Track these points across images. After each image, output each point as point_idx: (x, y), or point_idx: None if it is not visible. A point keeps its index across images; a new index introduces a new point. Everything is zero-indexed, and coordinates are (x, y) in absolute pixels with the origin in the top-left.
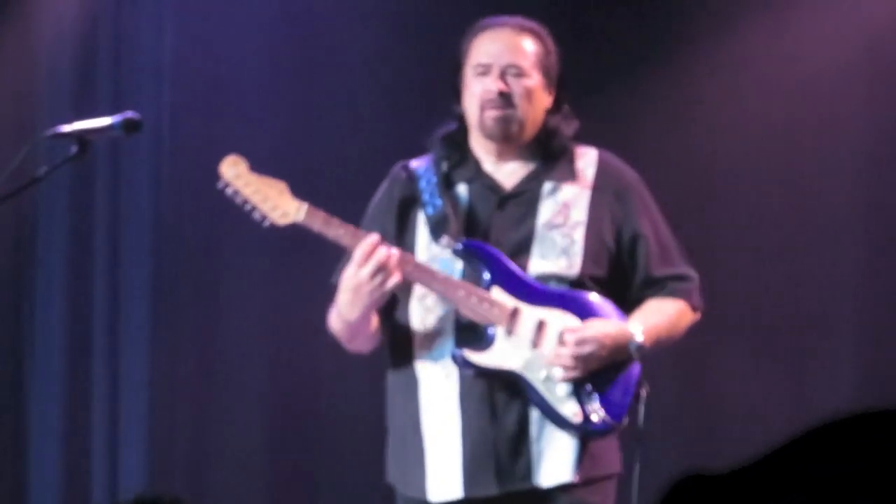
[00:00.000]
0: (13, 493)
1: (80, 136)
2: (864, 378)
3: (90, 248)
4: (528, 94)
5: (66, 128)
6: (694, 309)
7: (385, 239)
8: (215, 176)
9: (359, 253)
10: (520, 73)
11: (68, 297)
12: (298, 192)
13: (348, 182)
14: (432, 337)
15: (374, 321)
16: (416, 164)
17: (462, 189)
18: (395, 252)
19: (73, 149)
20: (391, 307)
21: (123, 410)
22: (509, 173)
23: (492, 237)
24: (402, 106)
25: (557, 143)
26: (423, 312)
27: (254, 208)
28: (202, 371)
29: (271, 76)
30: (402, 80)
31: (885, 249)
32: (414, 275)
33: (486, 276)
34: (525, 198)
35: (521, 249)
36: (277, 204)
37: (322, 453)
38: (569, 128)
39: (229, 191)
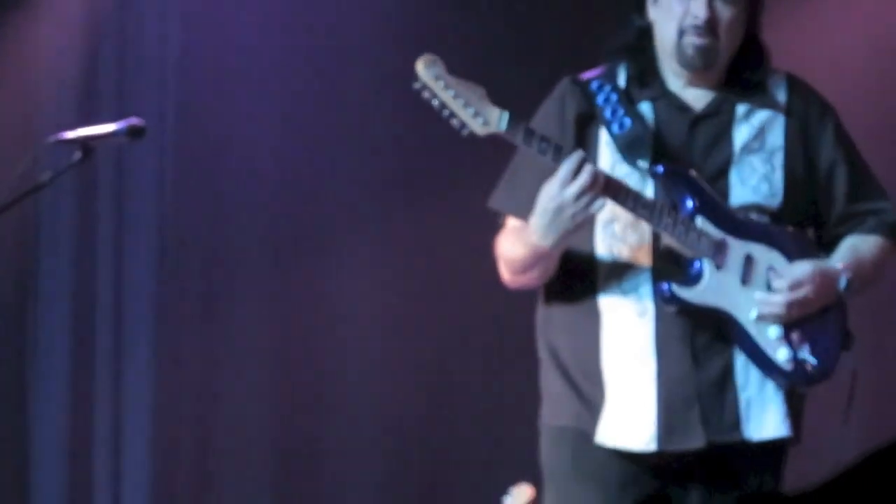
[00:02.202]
0: None
1: (84, 142)
2: None
3: (94, 254)
4: (735, 22)
5: (70, 134)
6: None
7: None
8: (220, 182)
9: (565, 170)
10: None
11: (72, 305)
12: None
13: (356, 181)
14: (623, 269)
15: None
16: (589, 76)
17: (646, 108)
18: (603, 171)
19: (77, 155)
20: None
21: (126, 427)
22: (699, 94)
23: (686, 161)
24: (410, 105)
25: (754, 72)
26: (610, 240)
27: (452, 115)
28: (206, 385)
29: (277, 81)
30: (411, 78)
31: None
32: (619, 197)
33: (689, 203)
34: (719, 120)
35: (719, 174)
36: (479, 110)
37: (327, 475)
38: (765, 60)
39: (426, 94)
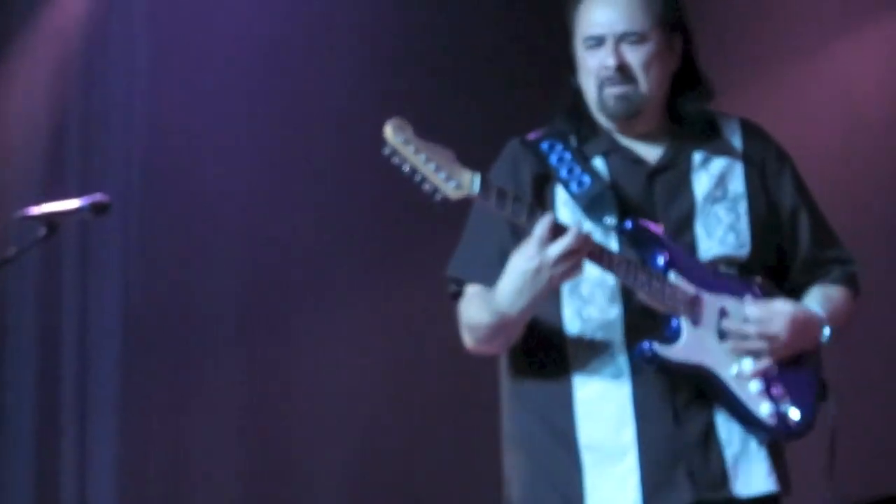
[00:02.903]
0: None
1: (49, 218)
2: None
3: (59, 329)
4: (650, 62)
5: (35, 210)
6: (857, 297)
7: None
8: (187, 251)
9: (542, 229)
10: (638, 39)
11: (37, 380)
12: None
13: (323, 251)
14: (594, 332)
15: None
16: (536, 137)
17: (600, 164)
18: (587, 232)
19: (42, 231)
20: None
21: (90, 494)
22: (649, 145)
23: (648, 215)
24: (375, 174)
25: (694, 109)
26: (578, 303)
27: (424, 179)
28: (173, 451)
29: (244, 152)
30: (387, 101)
31: None
32: (594, 257)
33: (660, 259)
34: (676, 170)
35: (684, 227)
36: (451, 173)
37: None
38: (704, 88)
39: (396, 159)
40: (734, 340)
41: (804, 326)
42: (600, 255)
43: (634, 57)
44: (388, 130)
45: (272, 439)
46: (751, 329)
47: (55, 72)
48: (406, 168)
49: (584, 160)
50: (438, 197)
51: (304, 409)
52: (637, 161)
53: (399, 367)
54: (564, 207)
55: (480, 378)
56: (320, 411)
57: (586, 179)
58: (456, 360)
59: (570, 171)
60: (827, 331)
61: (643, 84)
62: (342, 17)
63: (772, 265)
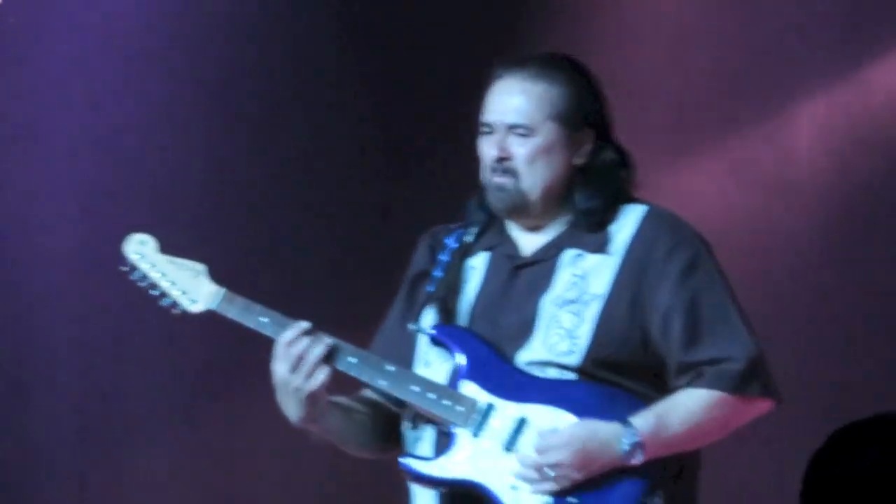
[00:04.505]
0: None
1: None
2: None
3: None
4: (536, 156)
5: None
6: (745, 396)
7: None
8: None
9: (278, 345)
10: (526, 132)
11: None
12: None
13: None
14: (415, 439)
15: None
16: (450, 229)
17: (480, 259)
18: (325, 342)
19: None
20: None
21: None
22: (535, 238)
23: (494, 315)
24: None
25: (587, 204)
26: (411, 413)
27: (163, 294)
28: None
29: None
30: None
31: None
32: (352, 369)
33: (461, 365)
34: (541, 267)
35: (524, 328)
36: (189, 289)
37: None
38: (608, 181)
39: (134, 275)
40: (519, 460)
41: (597, 447)
42: (358, 368)
43: (519, 150)
44: (127, 246)
45: None
46: (530, 460)
47: None
48: (144, 283)
49: (462, 255)
50: (177, 311)
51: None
52: (511, 256)
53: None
54: (426, 307)
55: None
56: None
57: (438, 277)
58: None
59: (440, 267)
60: (625, 444)
61: (525, 178)
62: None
63: (646, 370)
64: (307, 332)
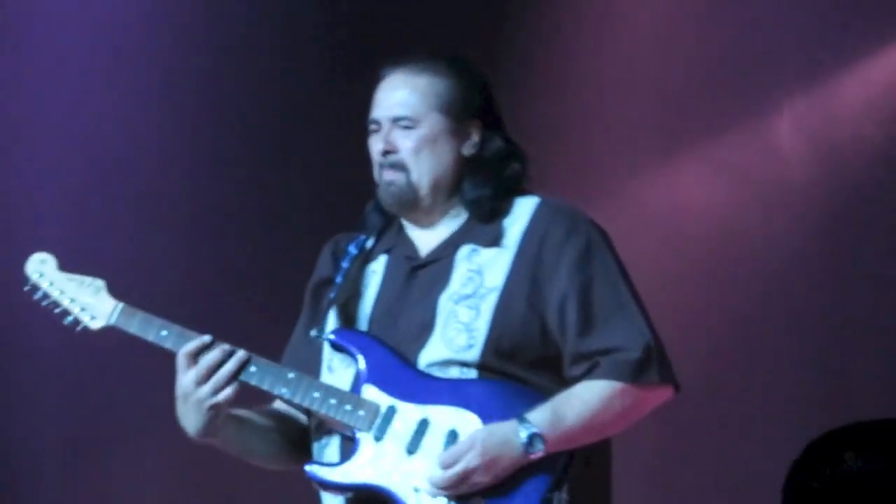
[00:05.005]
0: None
1: None
2: None
3: None
4: (420, 148)
5: None
6: (642, 384)
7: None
8: None
9: (180, 357)
10: (410, 124)
11: None
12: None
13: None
14: (321, 446)
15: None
16: (352, 236)
17: (379, 262)
18: (237, 356)
19: None
20: None
21: None
22: (432, 236)
23: (394, 317)
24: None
25: (476, 196)
26: (316, 420)
27: (65, 312)
28: None
29: None
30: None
31: None
32: (253, 378)
33: (362, 370)
34: (439, 265)
35: (424, 329)
36: (89, 305)
37: None
38: (496, 171)
39: (37, 295)
40: (429, 480)
41: (500, 447)
42: (260, 378)
43: (405, 142)
44: (28, 266)
45: None
46: (437, 479)
47: None
48: (46, 302)
49: (364, 261)
50: (80, 328)
51: None
52: (409, 257)
53: None
54: (330, 314)
55: None
56: None
57: (338, 283)
58: None
59: (342, 274)
60: (523, 439)
61: (413, 170)
62: None
63: (548, 363)
64: (208, 345)
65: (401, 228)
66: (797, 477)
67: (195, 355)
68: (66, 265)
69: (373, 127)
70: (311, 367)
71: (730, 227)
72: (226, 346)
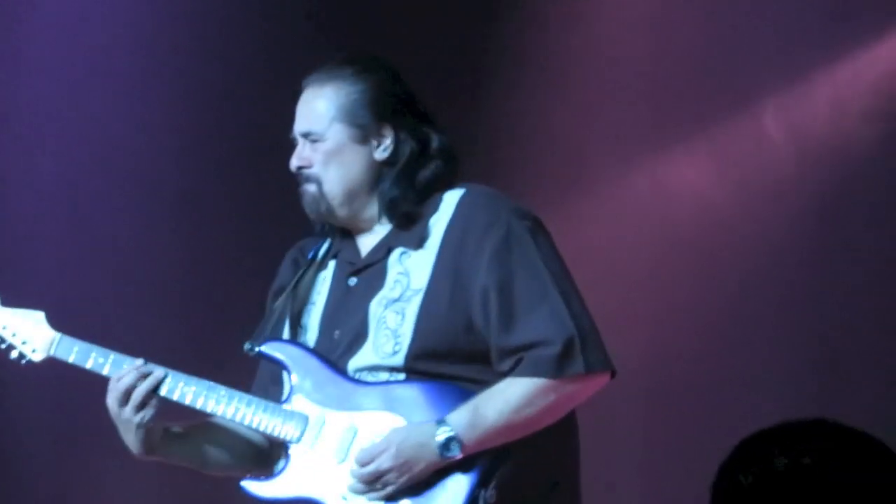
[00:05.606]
0: None
1: None
2: None
3: None
4: (328, 160)
5: None
6: (567, 378)
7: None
8: None
9: (110, 382)
10: (317, 138)
11: None
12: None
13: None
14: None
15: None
16: (313, 241)
17: (329, 269)
18: (154, 375)
19: None
20: None
21: None
22: (369, 240)
23: (335, 325)
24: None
25: (387, 201)
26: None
27: (11, 347)
28: None
29: None
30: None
31: None
32: (183, 398)
33: (292, 381)
34: (373, 270)
35: (358, 336)
36: (30, 338)
37: None
38: (409, 172)
39: None
40: (350, 473)
41: (417, 449)
42: (185, 396)
43: (315, 155)
44: None
45: None
46: (356, 472)
47: None
48: None
49: (316, 269)
50: (24, 362)
51: None
52: (351, 262)
53: None
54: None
55: None
56: None
57: (286, 292)
58: None
59: (293, 284)
60: (440, 441)
61: (325, 182)
62: None
63: (479, 360)
64: (138, 368)
65: (347, 233)
66: (726, 474)
67: (120, 379)
68: (61, 265)
69: (294, 143)
70: (274, 376)
71: (719, 222)
72: (144, 368)
